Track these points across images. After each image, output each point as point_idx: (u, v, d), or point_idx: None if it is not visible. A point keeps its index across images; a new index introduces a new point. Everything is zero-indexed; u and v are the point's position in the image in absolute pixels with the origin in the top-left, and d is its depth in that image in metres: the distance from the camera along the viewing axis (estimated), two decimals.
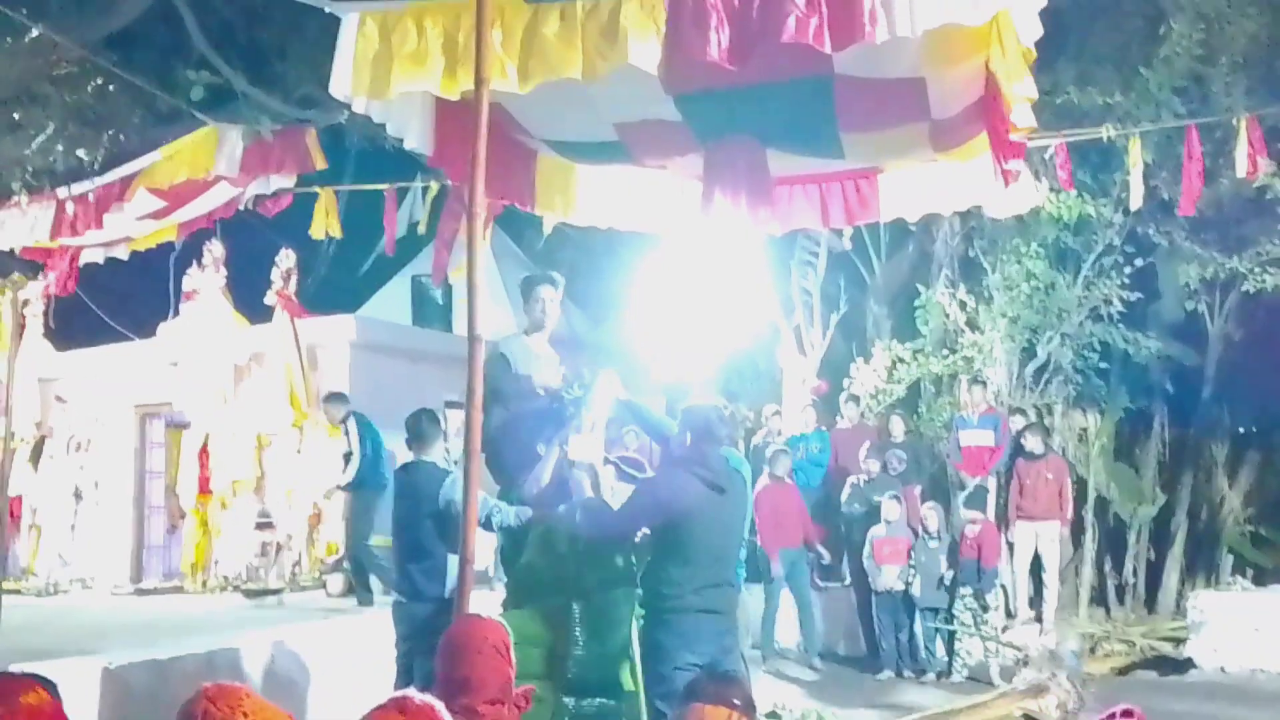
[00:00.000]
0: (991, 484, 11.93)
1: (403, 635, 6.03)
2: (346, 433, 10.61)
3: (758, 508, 10.70)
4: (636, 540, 5.41)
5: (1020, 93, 4.87)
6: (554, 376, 6.21)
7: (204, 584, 12.52)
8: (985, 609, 10.62)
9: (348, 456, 10.46)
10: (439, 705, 2.09)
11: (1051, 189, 11.13)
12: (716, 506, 5.40)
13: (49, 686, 2.63)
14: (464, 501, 4.34)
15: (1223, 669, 10.72)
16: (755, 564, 10.04)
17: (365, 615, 9.00)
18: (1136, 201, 9.52)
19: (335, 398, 11.00)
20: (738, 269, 7.30)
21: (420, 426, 6.55)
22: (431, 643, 5.17)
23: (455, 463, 6.54)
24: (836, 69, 5.53)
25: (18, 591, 11.96)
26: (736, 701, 3.77)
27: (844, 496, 11.67)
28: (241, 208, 9.35)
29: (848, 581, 11.79)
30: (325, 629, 8.52)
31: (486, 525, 5.44)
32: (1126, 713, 2.19)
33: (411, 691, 2.18)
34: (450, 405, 11.34)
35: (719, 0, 4.76)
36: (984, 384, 12.75)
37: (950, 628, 10.65)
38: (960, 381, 13.27)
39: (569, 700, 4.92)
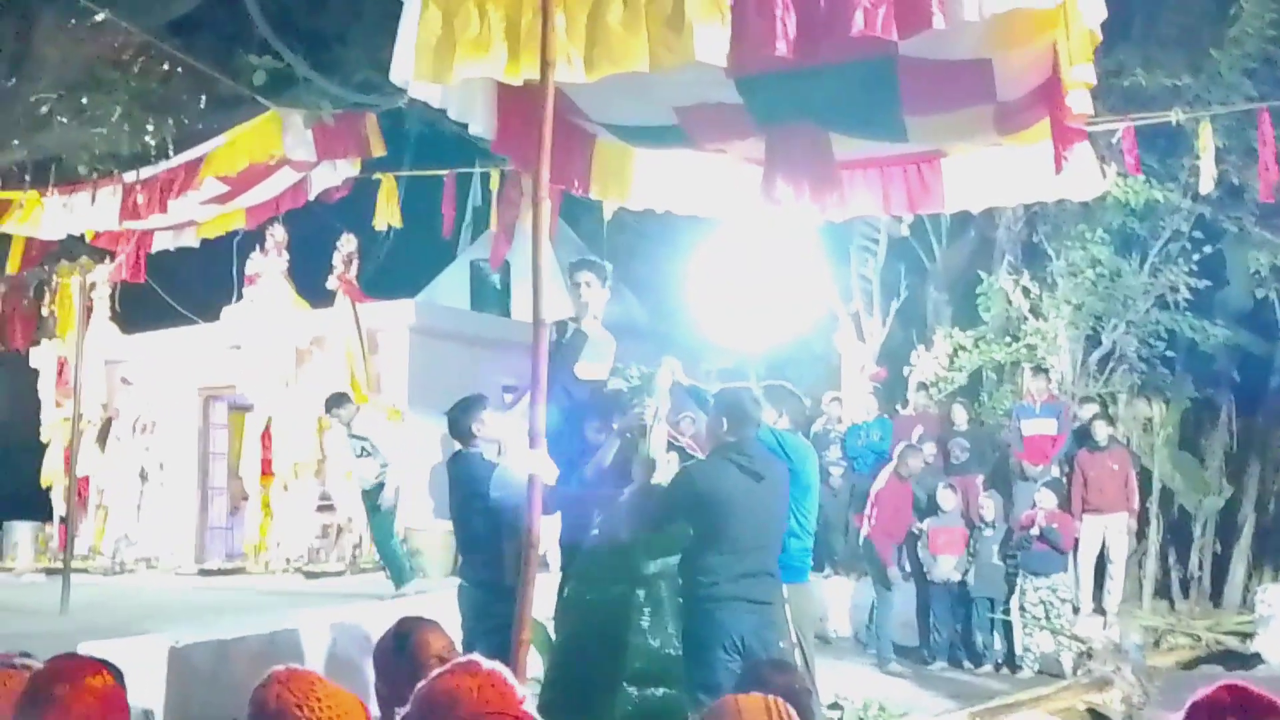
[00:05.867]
0: (1054, 473, 11.77)
1: (465, 617, 6.08)
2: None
3: (881, 506, 10.62)
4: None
5: (1079, 77, 4.78)
6: (606, 364, 6.17)
7: (266, 565, 12.69)
8: (1061, 600, 10.50)
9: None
10: (507, 671, 2.06)
11: (1118, 174, 10.93)
12: (753, 493, 5.31)
13: (113, 671, 2.65)
14: (528, 486, 4.34)
15: None
16: (819, 553, 9.89)
17: (426, 597, 9.07)
18: (1206, 186, 9.33)
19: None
20: (796, 254, 7.25)
21: (459, 419, 6.35)
22: (492, 625, 5.20)
23: (500, 453, 6.50)
24: (901, 51, 5.43)
25: (85, 570, 12.21)
26: (780, 686, 3.73)
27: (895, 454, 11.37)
28: (311, 198, 9.42)
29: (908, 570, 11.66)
30: (387, 610, 8.57)
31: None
32: (1231, 688, 2.10)
33: (478, 656, 2.16)
34: (508, 390, 11.40)
35: None
36: (1047, 372, 12.57)
37: (1006, 618, 10.55)
38: (1023, 370, 13.10)
39: (632, 690, 4.88)
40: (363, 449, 10.63)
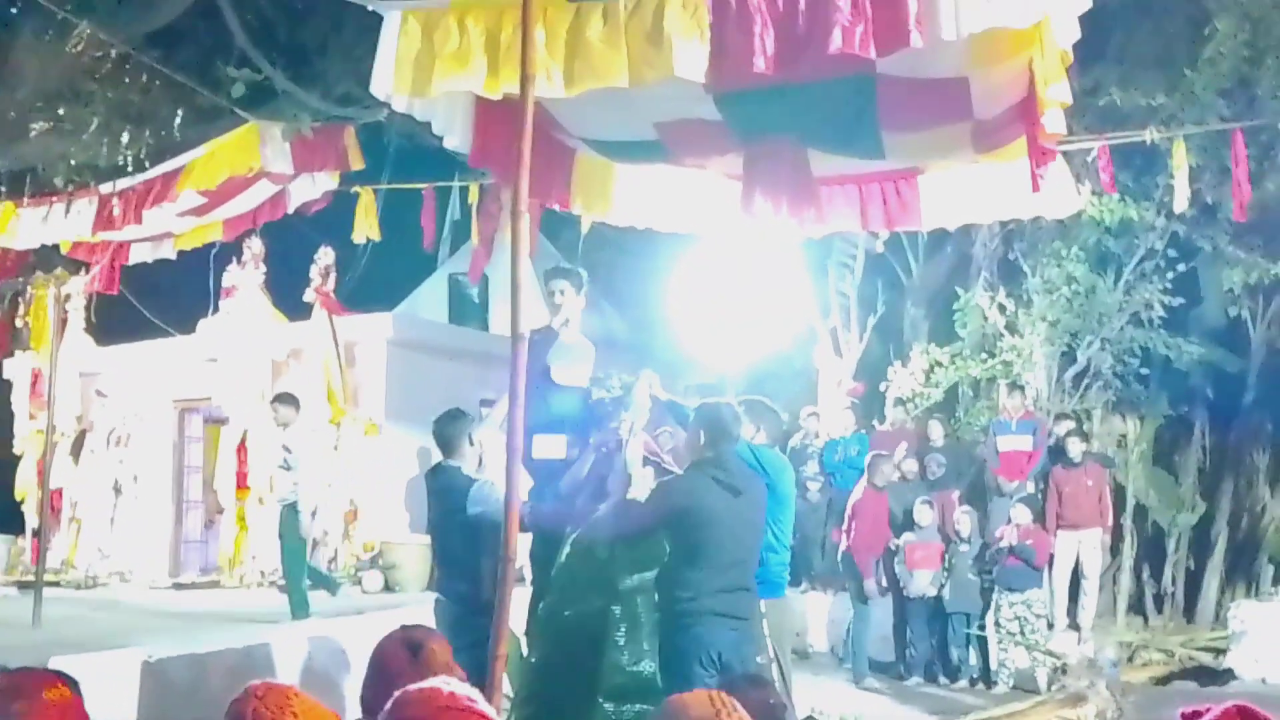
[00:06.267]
0: (1029, 489, 11.84)
1: (441, 632, 6.06)
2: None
3: (859, 518, 10.65)
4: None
5: (1054, 96, 4.83)
6: (585, 370, 6.18)
7: (241, 579, 12.61)
8: (1036, 616, 10.53)
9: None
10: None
11: (1093, 192, 11.01)
12: (731, 508, 5.31)
13: (70, 683, 2.59)
14: (505, 501, 4.34)
15: (1264, 680, 10.56)
16: (796, 567, 9.91)
17: (402, 611, 9.02)
18: (1180, 205, 9.39)
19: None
20: (775, 270, 7.27)
21: (444, 430, 6.34)
22: (469, 640, 5.18)
23: (481, 464, 6.48)
24: (879, 69, 5.48)
25: (57, 584, 12.10)
26: (756, 701, 3.71)
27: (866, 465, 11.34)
28: (290, 211, 9.37)
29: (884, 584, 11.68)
30: (362, 624, 8.54)
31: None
32: (1241, 710, 2.09)
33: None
34: (485, 404, 11.36)
35: (763, 3, 4.74)
36: (1023, 388, 12.64)
37: (982, 633, 10.58)
38: (999, 386, 13.17)
39: (608, 706, 4.86)
40: (285, 461, 10.16)
